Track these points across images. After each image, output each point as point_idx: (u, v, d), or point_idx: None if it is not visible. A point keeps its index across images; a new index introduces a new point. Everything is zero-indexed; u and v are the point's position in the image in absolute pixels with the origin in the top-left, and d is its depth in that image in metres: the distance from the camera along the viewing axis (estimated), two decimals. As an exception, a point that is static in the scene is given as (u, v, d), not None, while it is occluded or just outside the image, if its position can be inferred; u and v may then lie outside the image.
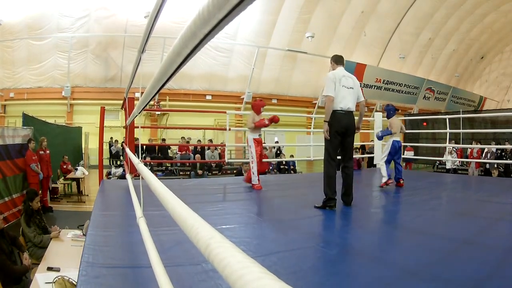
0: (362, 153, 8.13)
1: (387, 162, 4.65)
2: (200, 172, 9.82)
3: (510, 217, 3.12)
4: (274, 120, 4.53)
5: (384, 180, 4.54)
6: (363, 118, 3.80)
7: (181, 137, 11.60)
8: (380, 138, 5.03)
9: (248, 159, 4.83)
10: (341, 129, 3.32)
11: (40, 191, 6.53)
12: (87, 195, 8.54)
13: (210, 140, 13.88)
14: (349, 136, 3.39)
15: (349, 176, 3.39)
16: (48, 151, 7.37)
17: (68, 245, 3.76)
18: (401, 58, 18.19)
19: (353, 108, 3.40)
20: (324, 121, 3.34)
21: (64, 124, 12.81)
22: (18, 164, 6.40)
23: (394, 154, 4.64)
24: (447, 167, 10.79)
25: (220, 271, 0.42)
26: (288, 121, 16.67)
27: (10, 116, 13.78)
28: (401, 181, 4.66)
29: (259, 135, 4.61)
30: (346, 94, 3.32)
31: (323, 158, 3.49)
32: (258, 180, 4.47)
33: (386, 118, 5.00)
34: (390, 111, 4.83)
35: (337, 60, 3.56)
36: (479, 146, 10.12)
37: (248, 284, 0.34)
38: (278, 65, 15.98)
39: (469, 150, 11.21)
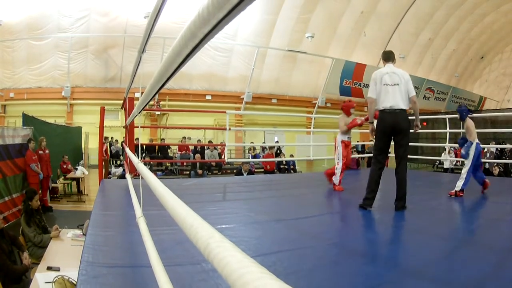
0: (359, 153, 8.12)
1: (474, 170, 4.09)
2: (200, 172, 9.82)
3: (510, 217, 3.12)
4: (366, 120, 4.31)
5: (458, 188, 3.98)
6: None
7: (183, 137, 11.58)
8: (465, 156, 4.16)
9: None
10: (387, 128, 3.14)
11: (40, 191, 6.54)
12: (87, 194, 8.54)
13: (210, 141, 13.89)
14: (397, 135, 3.16)
15: (399, 179, 3.15)
16: (47, 151, 7.37)
17: (68, 245, 3.76)
18: (401, 58, 18.17)
19: (402, 105, 3.13)
20: (368, 122, 3.34)
21: (64, 124, 12.80)
22: (18, 164, 6.40)
23: (478, 158, 4.13)
24: (445, 166, 10.79)
25: (219, 270, 0.42)
26: (288, 121, 16.69)
27: (10, 116, 13.78)
28: (486, 181, 4.24)
29: (349, 137, 4.57)
30: (390, 92, 3.13)
31: (323, 158, 3.48)
32: (340, 182, 4.41)
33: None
34: (463, 112, 4.26)
35: (385, 57, 3.38)
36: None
37: (247, 284, 0.34)
38: (278, 65, 15.97)
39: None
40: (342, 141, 4.48)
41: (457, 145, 4.80)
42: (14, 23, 12.24)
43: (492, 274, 1.75)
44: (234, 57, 15.01)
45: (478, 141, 4.22)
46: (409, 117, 3.31)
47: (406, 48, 18.23)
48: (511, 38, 21.42)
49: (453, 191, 4.00)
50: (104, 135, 6.13)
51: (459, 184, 3.98)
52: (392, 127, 3.14)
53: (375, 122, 3.35)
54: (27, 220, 4.07)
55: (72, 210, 7.26)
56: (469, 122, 4.24)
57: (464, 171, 4.08)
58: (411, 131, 3.29)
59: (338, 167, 4.40)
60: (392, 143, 3.29)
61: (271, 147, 10.44)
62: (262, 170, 11.37)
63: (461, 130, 11.74)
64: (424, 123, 13.33)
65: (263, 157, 10.38)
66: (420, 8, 16.54)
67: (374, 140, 3.30)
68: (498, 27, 20.11)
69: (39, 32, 12.70)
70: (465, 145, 4.19)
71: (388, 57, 3.34)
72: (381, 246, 2.35)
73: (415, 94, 3.25)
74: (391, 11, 16.25)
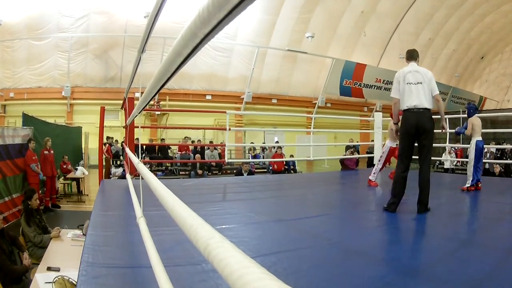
0: (352, 153, 8.11)
1: (478, 167, 4.29)
2: (200, 172, 9.82)
3: (510, 217, 3.12)
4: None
5: (468, 184, 4.24)
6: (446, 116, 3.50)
7: (185, 137, 11.57)
8: (458, 133, 4.89)
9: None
10: (410, 128, 3.07)
11: (39, 191, 6.54)
12: (87, 195, 8.54)
13: (211, 142, 13.89)
14: (421, 135, 3.07)
15: (422, 181, 3.07)
16: (52, 151, 7.42)
17: (68, 245, 3.76)
18: (401, 58, 18.11)
19: (426, 104, 3.05)
20: (393, 123, 3.31)
21: (64, 124, 12.80)
22: (18, 164, 6.40)
23: (480, 156, 4.33)
24: (445, 166, 10.79)
25: (219, 271, 0.42)
26: (288, 121, 16.69)
27: (10, 116, 13.78)
28: (480, 184, 4.39)
29: (396, 144, 4.64)
30: (413, 91, 3.07)
31: (323, 158, 3.46)
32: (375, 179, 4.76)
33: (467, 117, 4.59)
34: (470, 110, 4.48)
35: (408, 56, 3.31)
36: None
37: (248, 284, 0.34)
38: (278, 65, 15.97)
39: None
40: (391, 147, 4.79)
41: (457, 145, 4.95)
42: (14, 23, 12.24)
43: (492, 274, 1.75)
44: (234, 57, 15.01)
45: (480, 139, 4.36)
46: (433, 117, 3.22)
47: (406, 48, 17.74)
48: (511, 38, 21.41)
49: (465, 186, 4.28)
50: (107, 135, 6.14)
51: (468, 181, 4.26)
52: (416, 127, 3.06)
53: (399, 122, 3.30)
54: (27, 220, 4.07)
55: (72, 210, 7.26)
56: (475, 120, 4.40)
57: (469, 168, 4.31)
58: (436, 131, 3.23)
59: (378, 166, 4.84)
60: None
61: (278, 147, 10.49)
62: (263, 170, 11.41)
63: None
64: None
65: (272, 157, 10.41)
66: (420, 8, 16.54)
67: (398, 142, 3.27)
68: (498, 27, 20.11)
69: (39, 32, 12.70)
70: (462, 127, 4.58)
71: (411, 55, 3.29)
72: (381, 246, 2.34)
73: (438, 92, 3.18)
74: (391, 11, 16.25)
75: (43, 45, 13.04)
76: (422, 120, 3.05)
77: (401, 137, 3.18)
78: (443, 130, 3.38)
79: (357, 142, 11.50)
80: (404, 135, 3.14)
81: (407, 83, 3.12)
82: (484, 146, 4.64)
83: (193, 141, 11.97)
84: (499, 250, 2.13)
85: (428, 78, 3.12)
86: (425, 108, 3.06)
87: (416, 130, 3.07)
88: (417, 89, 3.08)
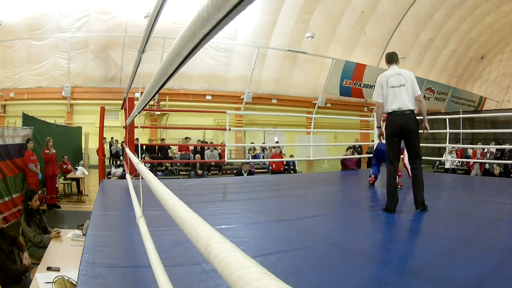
0: (352, 153, 8.12)
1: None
2: (200, 172, 9.82)
3: (510, 217, 3.12)
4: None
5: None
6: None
7: (185, 137, 11.58)
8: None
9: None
10: (395, 130, 3.14)
11: (39, 191, 6.55)
12: (87, 195, 8.54)
13: (212, 142, 13.89)
14: (407, 135, 3.15)
15: (416, 177, 3.15)
16: (54, 151, 7.44)
17: (68, 245, 3.76)
18: (401, 58, 18.13)
19: (410, 106, 3.12)
20: (376, 127, 3.35)
21: (64, 124, 12.80)
22: (18, 164, 6.40)
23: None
24: (446, 166, 10.80)
25: (220, 271, 0.42)
26: (288, 121, 16.69)
27: (10, 116, 13.77)
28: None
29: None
30: (397, 94, 3.14)
31: (323, 158, 3.49)
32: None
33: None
34: None
35: (388, 59, 3.34)
36: (480, 146, 10.11)
37: (248, 284, 0.34)
38: (278, 65, 15.97)
39: (471, 151, 11.21)
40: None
41: (457, 145, 5.09)
42: (14, 23, 12.23)
43: (492, 274, 1.75)
44: (234, 57, 15.01)
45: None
46: (417, 118, 3.29)
47: (406, 48, 18.23)
48: (511, 38, 21.41)
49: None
50: (105, 136, 6.14)
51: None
52: (401, 128, 3.12)
53: (383, 126, 3.36)
54: (27, 220, 4.07)
55: (72, 210, 7.26)
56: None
57: None
58: (420, 131, 3.28)
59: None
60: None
61: (277, 147, 10.54)
62: (263, 170, 11.41)
63: (461, 130, 11.76)
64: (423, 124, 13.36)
65: (271, 157, 10.49)
66: (420, 8, 16.54)
67: (387, 143, 3.28)
68: (498, 28, 20.11)
69: (39, 32, 12.69)
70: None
71: (391, 59, 3.31)
72: (381, 246, 2.34)
73: (420, 93, 3.22)
74: (391, 11, 16.25)
75: (43, 45, 13.04)
76: (407, 121, 3.11)
77: (388, 139, 3.23)
78: (425, 131, 3.38)
79: (358, 142, 11.50)
80: (391, 137, 3.19)
81: (390, 87, 3.16)
82: (484, 146, 4.75)
83: (199, 141, 12.00)
84: (499, 250, 2.13)
85: (411, 80, 3.17)
86: (410, 110, 3.12)
87: (401, 131, 3.13)
88: (400, 91, 3.13)
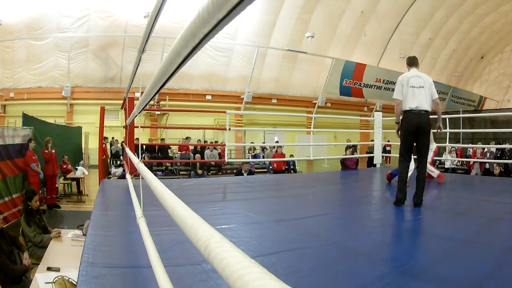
0: (352, 153, 8.12)
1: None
2: (199, 172, 9.82)
3: (510, 217, 3.12)
4: None
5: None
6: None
7: (186, 137, 11.57)
8: None
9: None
10: (411, 128, 3.33)
11: (40, 191, 6.54)
12: (87, 195, 8.54)
13: (211, 142, 13.89)
14: (420, 135, 3.35)
15: (419, 176, 3.34)
16: (53, 150, 7.45)
17: (68, 245, 3.76)
18: (401, 58, 18.15)
19: (426, 107, 3.35)
20: (395, 122, 3.53)
21: (64, 124, 12.80)
22: (18, 164, 6.40)
23: None
24: (446, 166, 10.80)
25: (220, 271, 0.42)
26: (288, 121, 16.69)
27: (10, 116, 13.78)
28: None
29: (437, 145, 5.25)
30: (416, 94, 3.33)
31: (323, 158, 3.54)
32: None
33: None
34: None
35: (409, 62, 3.58)
36: (480, 145, 10.10)
37: (248, 284, 0.34)
38: (278, 65, 15.97)
39: (471, 150, 11.21)
40: (436, 146, 5.31)
41: (457, 145, 5.32)
42: (14, 23, 12.24)
43: (492, 274, 1.75)
44: (234, 57, 15.01)
45: None
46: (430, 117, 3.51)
47: (406, 48, 18.23)
48: (511, 38, 21.42)
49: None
50: (105, 136, 6.15)
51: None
52: (417, 127, 3.32)
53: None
54: (27, 220, 4.07)
55: (72, 210, 7.26)
56: None
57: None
58: (433, 131, 3.56)
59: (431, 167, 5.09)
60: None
61: (278, 147, 10.58)
62: (263, 170, 11.41)
63: (461, 130, 11.75)
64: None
65: (272, 157, 10.53)
66: (420, 8, 16.54)
67: (401, 140, 3.49)
68: (498, 27, 20.11)
69: (39, 32, 12.70)
70: None
71: (412, 62, 3.53)
72: (381, 246, 2.34)
73: (437, 96, 3.48)
74: (391, 11, 16.25)
75: (43, 45, 13.04)
76: (422, 121, 3.32)
77: (403, 136, 3.42)
78: (439, 130, 3.64)
79: (357, 142, 11.51)
80: (406, 134, 3.39)
81: (410, 87, 3.37)
82: (484, 146, 4.85)
83: (199, 141, 12.01)
84: (499, 250, 2.13)
85: (429, 83, 3.41)
86: (425, 110, 3.34)
87: (416, 129, 3.33)
88: (419, 92, 3.35)
